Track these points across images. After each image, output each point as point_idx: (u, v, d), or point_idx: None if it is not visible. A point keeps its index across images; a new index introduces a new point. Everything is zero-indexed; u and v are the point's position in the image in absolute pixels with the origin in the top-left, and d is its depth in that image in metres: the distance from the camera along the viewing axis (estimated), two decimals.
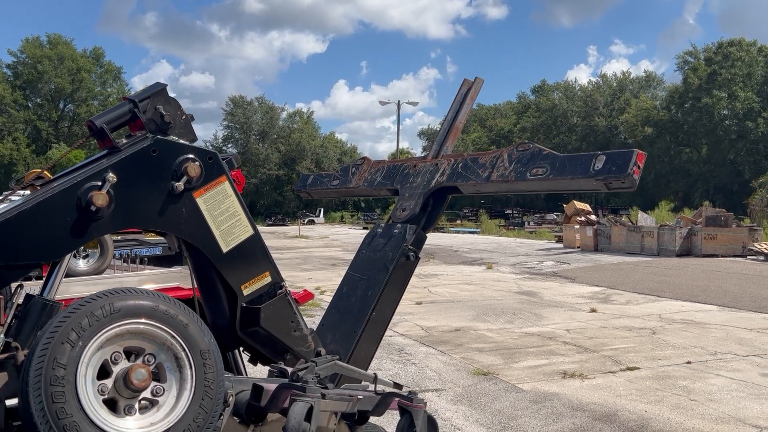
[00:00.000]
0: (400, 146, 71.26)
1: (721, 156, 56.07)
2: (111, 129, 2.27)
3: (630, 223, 27.44)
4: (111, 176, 2.11)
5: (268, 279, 2.54)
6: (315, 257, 24.60)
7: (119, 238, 9.26)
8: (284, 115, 79.68)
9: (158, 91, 2.36)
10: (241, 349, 2.73)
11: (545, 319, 11.17)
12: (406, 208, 2.77)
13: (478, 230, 44.27)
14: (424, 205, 2.74)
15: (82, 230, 2.08)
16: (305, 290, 7.18)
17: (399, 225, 2.72)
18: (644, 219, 27.35)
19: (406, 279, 2.73)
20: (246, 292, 2.49)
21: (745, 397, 6.48)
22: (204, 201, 2.38)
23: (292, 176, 74.03)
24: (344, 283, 2.90)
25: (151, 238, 10.21)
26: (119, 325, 1.56)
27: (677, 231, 23.75)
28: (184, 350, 1.64)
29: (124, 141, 2.29)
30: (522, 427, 5.66)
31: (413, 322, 10.52)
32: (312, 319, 6.48)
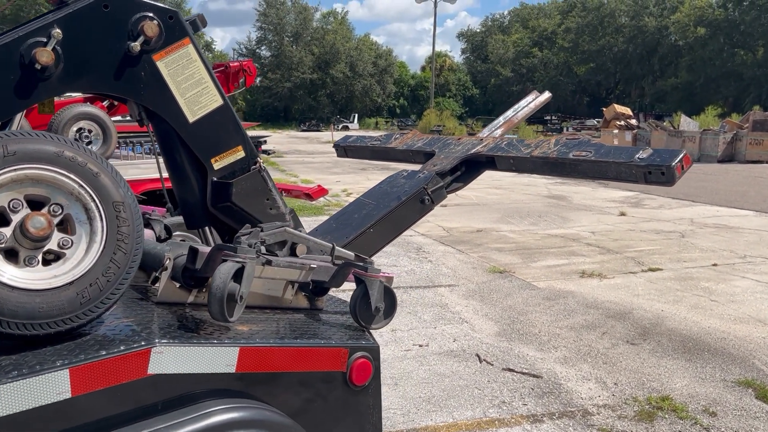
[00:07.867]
0: (438, 49, 68.89)
1: None
2: None
3: (671, 128, 26.42)
4: (56, 32, 1.95)
5: (241, 154, 2.43)
6: (345, 162, 24.45)
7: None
8: (318, 15, 77.40)
9: None
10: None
11: (571, 221, 10.97)
12: (437, 164, 2.78)
13: (515, 136, 43.33)
14: (455, 168, 2.73)
15: (28, 90, 1.96)
16: (319, 185, 7.12)
17: (426, 171, 2.73)
18: (687, 124, 26.28)
19: (410, 220, 2.70)
20: (216, 166, 2.39)
21: None
22: (165, 65, 2.22)
23: (326, 80, 72.78)
24: (351, 204, 2.95)
25: None
26: (15, 170, 1.44)
27: (721, 136, 22.82)
28: (94, 201, 1.51)
29: None
30: (531, 321, 5.61)
31: (435, 223, 10.41)
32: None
